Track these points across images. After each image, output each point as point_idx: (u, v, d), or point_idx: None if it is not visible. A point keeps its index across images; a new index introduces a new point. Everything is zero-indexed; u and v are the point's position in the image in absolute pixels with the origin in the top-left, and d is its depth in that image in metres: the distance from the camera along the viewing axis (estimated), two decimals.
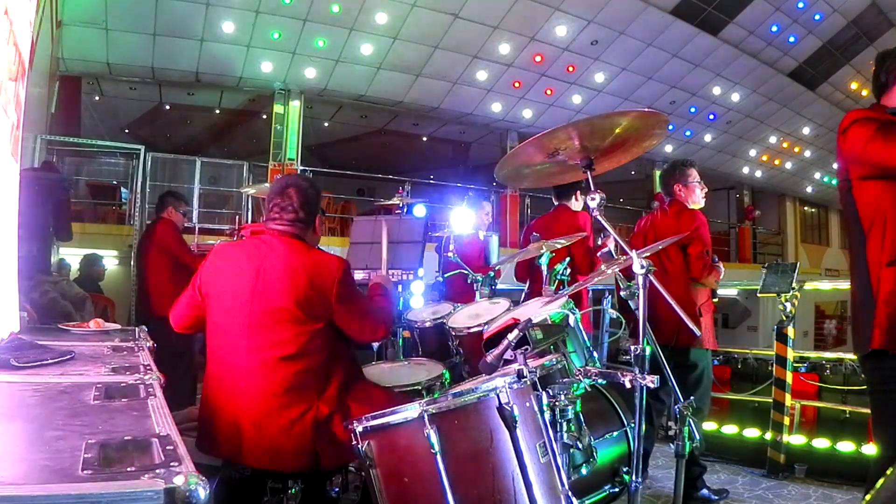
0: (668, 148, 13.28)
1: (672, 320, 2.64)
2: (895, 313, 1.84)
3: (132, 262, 6.24)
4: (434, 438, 1.43)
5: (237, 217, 9.28)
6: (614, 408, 2.27)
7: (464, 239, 4.28)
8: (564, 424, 1.67)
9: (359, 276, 3.50)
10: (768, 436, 3.71)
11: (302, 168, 10.03)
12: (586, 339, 2.17)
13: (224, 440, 1.87)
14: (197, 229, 8.22)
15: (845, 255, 18.75)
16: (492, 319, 2.41)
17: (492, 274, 3.29)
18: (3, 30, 1.55)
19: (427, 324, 2.79)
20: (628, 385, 1.71)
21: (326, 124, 12.36)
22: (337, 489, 2.02)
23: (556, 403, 1.67)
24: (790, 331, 3.72)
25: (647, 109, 1.83)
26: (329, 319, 1.97)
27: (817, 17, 10.71)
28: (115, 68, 8.84)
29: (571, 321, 2.09)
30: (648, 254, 1.82)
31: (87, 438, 0.86)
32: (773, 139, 14.27)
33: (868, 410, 2.05)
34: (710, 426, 4.13)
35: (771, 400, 3.76)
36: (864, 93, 12.74)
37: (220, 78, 9.50)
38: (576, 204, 3.79)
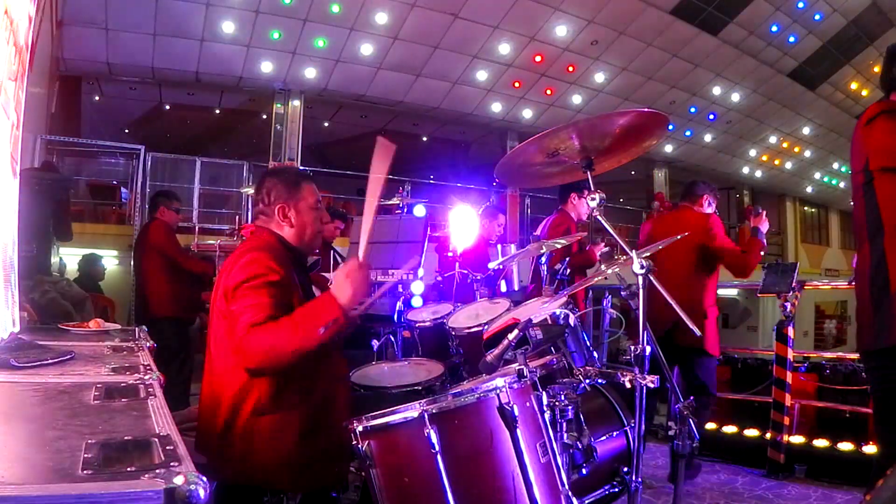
0: (668, 148, 13.28)
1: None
2: None
3: (132, 262, 6.25)
4: (434, 438, 1.43)
5: (237, 217, 9.29)
6: (614, 408, 2.27)
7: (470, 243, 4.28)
8: (564, 424, 1.67)
9: None
10: (768, 436, 3.71)
11: (302, 168, 10.03)
12: (587, 338, 2.17)
13: (200, 443, 1.88)
14: (197, 229, 8.21)
15: (845, 255, 18.79)
16: (492, 319, 2.41)
17: (491, 274, 3.29)
18: (2, 30, 1.55)
19: (427, 324, 2.79)
20: (628, 385, 1.71)
21: (326, 124, 12.36)
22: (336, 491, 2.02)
23: (556, 403, 1.67)
24: (790, 331, 3.72)
25: (647, 109, 1.83)
26: None
27: (817, 17, 10.72)
28: (115, 68, 8.84)
29: (571, 321, 2.09)
30: (648, 254, 1.82)
31: (87, 438, 0.86)
32: (773, 139, 14.27)
33: (868, 410, 2.03)
34: (710, 426, 4.13)
35: (771, 400, 3.76)
36: (865, 93, 12.75)
37: (220, 78, 9.50)
38: (570, 207, 3.83)
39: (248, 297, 1.71)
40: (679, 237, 2.70)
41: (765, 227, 3.38)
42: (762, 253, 3.35)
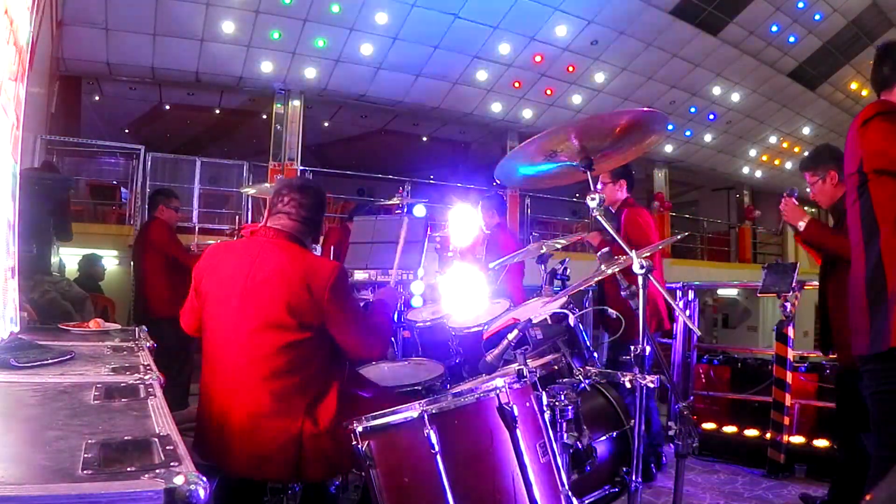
0: (668, 148, 13.27)
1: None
2: None
3: (131, 262, 6.25)
4: (434, 438, 1.43)
5: (237, 217, 9.29)
6: (614, 408, 2.27)
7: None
8: (564, 424, 1.67)
9: (359, 276, 3.51)
10: (768, 436, 3.71)
11: (302, 168, 10.02)
12: (587, 338, 2.17)
13: (213, 446, 1.85)
14: (197, 229, 8.21)
15: None
16: (492, 319, 2.41)
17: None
18: (3, 30, 1.55)
19: (427, 324, 2.79)
20: (628, 385, 1.71)
21: (326, 124, 12.35)
22: (337, 482, 2.02)
23: (556, 403, 1.67)
24: (790, 331, 3.72)
25: (647, 109, 1.83)
26: (321, 328, 1.88)
27: (817, 17, 10.71)
28: (115, 68, 8.83)
29: (571, 321, 2.09)
30: (648, 253, 1.82)
31: (87, 438, 0.86)
32: (773, 139, 14.26)
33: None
34: (709, 426, 4.13)
35: (771, 400, 3.76)
36: (865, 93, 12.74)
37: (220, 78, 9.49)
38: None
39: (357, 305, 2.04)
40: (680, 236, 2.69)
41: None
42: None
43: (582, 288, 2.26)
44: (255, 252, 1.93)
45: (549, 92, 11.03)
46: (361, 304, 2.19)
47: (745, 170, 15.22)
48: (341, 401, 1.88)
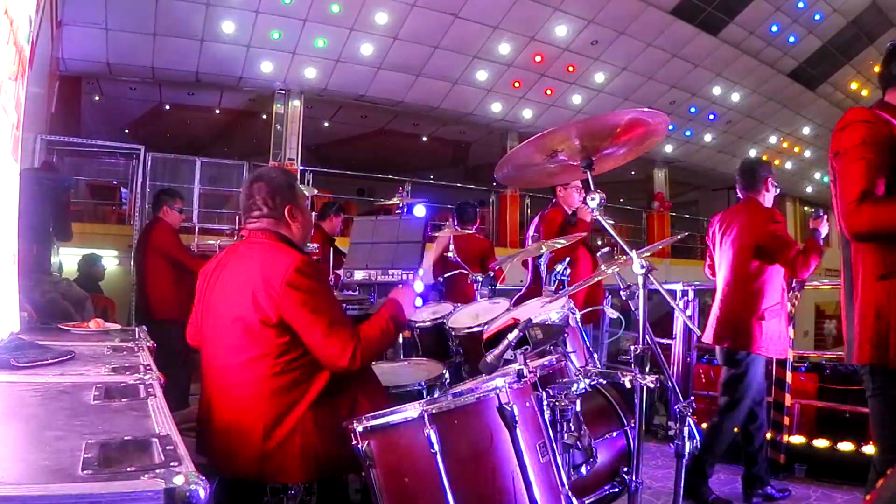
0: (668, 148, 13.28)
1: (726, 321, 3.06)
2: (886, 328, 1.75)
3: (132, 263, 6.25)
4: (434, 438, 1.43)
5: (237, 217, 9.28)
6: (614, 408, 2.27)
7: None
8: (564, 424, 1.67)
9: (359, 275, 3.51)
10: (768, 436, 3.70)
11: (302, 168, 10.03)
12: (587, 338, 2.17)
13: (214, 448, 1.86)
14: (197, 229, 8.21)
15: None
16: (492, 319, 2.41)
17: (492, 274, 3.29)
18: (3, 30, 1.55)
19: (427, 324, 2.79)
20: (628, 385, 1.71)
21: (326, 124, 12.35)
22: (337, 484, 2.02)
23: (556, 403, 1.67)
24: (790, 331, 3.71)
25: (647, 109, 1.83)
26: (286, 328, 1.79)
27: (817, 17, 10.71)
28: (115, 68, 8.84)
29: (571, 321, 2.09)
30: (648, 254, 1.82)
31: (87, 438, 0.86)
32: (773, 139, 14.27)
33: (868, 409, 2.02)
34: None
35: (771, 400, 3.75)
36: (865, 93, 12.75)
37: (220, 78, 9.50)
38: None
39: (327, 305, 1.80)
40: (680, 236, 2.70)
41: (824, 229, 3.19)
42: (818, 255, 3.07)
43: (582, 287, 2.27)
44: (230, 255, 1.97)
45: (549, 92, 11.04)
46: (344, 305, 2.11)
47: None
48: (339, 401, 1.86)
